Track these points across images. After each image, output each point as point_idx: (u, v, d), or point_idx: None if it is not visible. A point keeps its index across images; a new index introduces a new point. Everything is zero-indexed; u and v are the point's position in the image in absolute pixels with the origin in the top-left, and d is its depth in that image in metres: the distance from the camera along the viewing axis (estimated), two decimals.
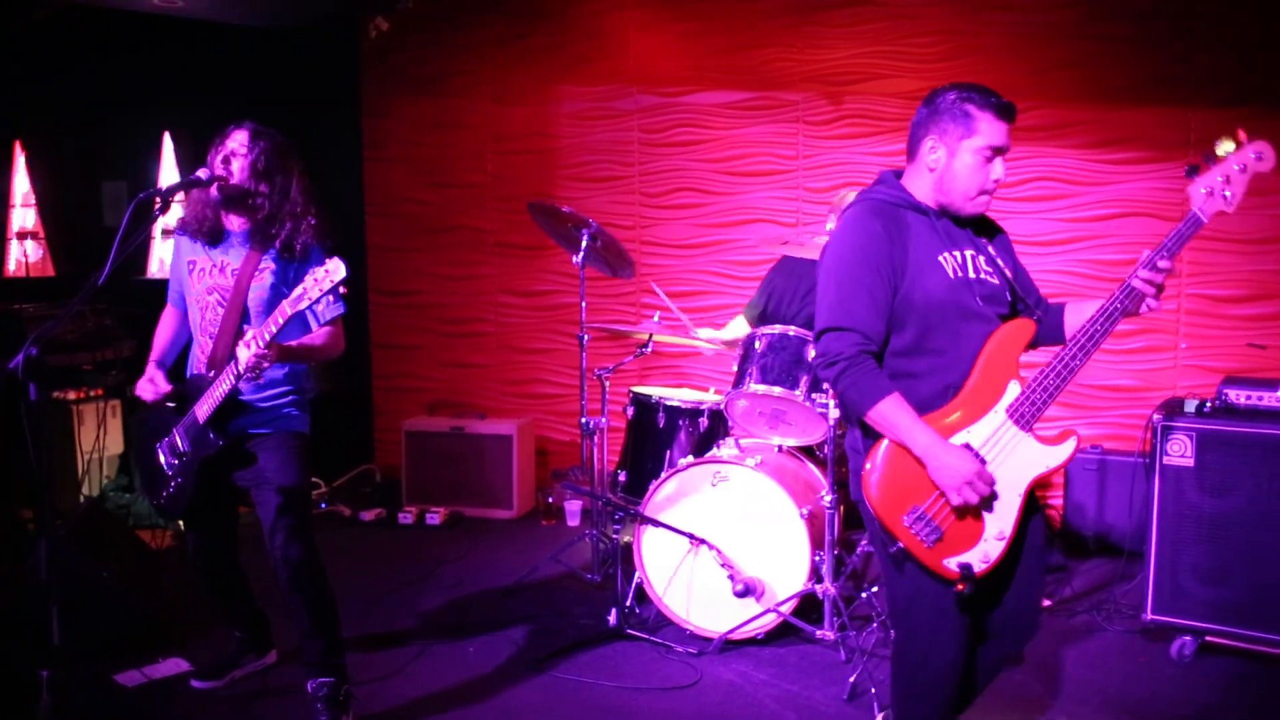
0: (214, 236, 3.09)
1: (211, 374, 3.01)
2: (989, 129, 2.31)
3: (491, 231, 6.06)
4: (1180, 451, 3.51)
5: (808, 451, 4.17)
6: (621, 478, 4.36)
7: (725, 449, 3.91)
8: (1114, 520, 4.63)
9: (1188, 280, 4.84)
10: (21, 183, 6.56)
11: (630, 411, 4.38)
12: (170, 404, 3.13)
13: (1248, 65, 4.64)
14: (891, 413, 2.26)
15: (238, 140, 3.03)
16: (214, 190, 3.02)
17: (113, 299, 5.26)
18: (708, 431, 4.23)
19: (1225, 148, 2.30)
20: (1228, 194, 2.28)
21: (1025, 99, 4.94)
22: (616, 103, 5.72)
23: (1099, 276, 4.96)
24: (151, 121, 6.24)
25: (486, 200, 6.06)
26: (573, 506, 5.41)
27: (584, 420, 4.24)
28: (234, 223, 3.10)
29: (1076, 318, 2.45)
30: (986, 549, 2.30)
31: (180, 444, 3.08)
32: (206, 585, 3.43)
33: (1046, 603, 4.11)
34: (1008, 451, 2.30)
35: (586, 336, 4.22)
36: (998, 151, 2.33)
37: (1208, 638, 3.55)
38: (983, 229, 2.50)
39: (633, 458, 4.34)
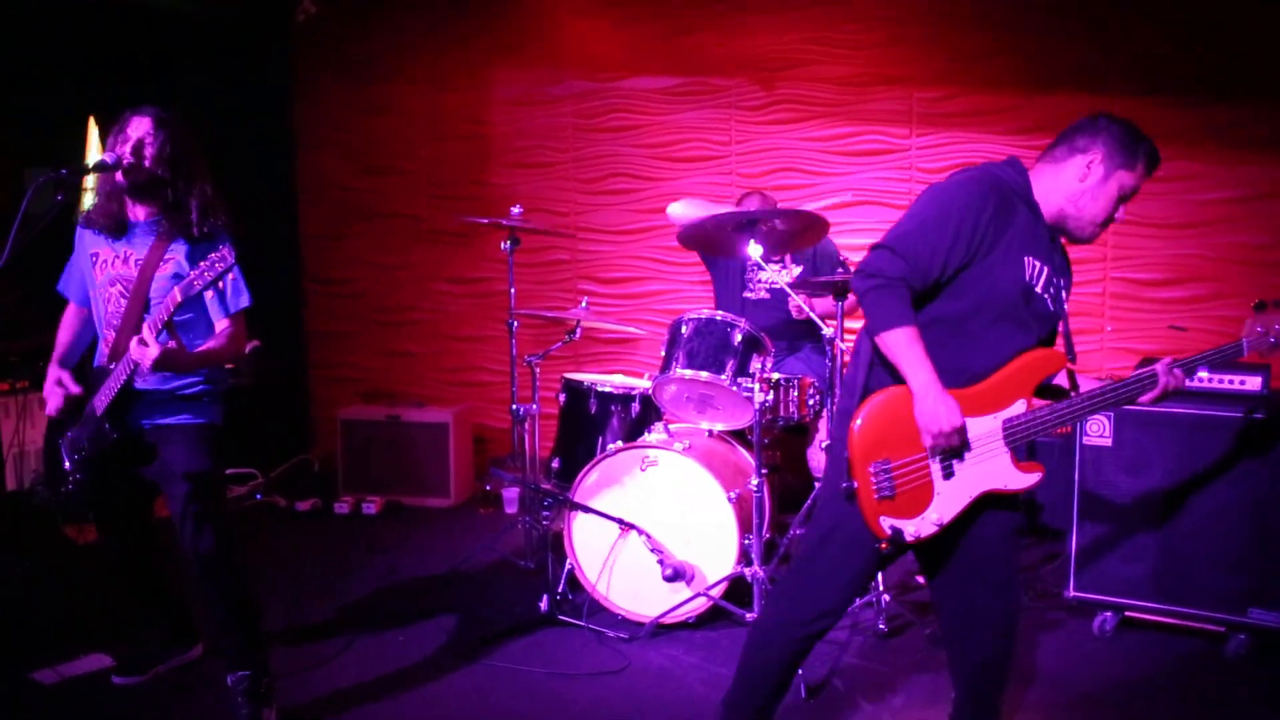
0: (118, 228, 3.01)
1: (113, 365, 2.94)
2: (1141, 174, 2.39)
3: (425, 219, 6.01)
4: (1099, 432, 3.57)
5: (739, 435, 4.18)
6: (555, 464, 4.34)
7: (654, 434, 3.92)
8: (1044, 499, 4.71)
9: (1112, 265, 4.93)
10: None
11: (562, 398, 4.36)
12: (77, 390, 3.06)
13: (1169, 53, 4.73)
14: (905, 342, 2.30)
15: (142, 127, 2.95)
16: (119, 176, 2.94)
17: (34, 285, 5.13)
18: (639, 417, 4.22)
19: None
20: (1277, 343, 2.47)
21: (951, 85, 5.03)
22: (550, 88, 5.69)
23: None
24: (76, 106, 6.08)
25: (420, 186, 6.00)
26: (510, 494, 5.39)
27: (514, 407, 4.22)
28: (139, 212, 3.02)
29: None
30: (920, 526, 2.37)
31: (80, 440, 3.02)
32: (123, 582, 3.36)
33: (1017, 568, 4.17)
34: (984, 457, 2.37)
35: (516, 323, 4.19)
36: (1130, 195, 2.41)
37: (1127, 613, 3.63)
38: (1065, 260, 2.53)
39: (566, 444, 4.33)
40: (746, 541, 3.68)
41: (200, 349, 2.96)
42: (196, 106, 5.75)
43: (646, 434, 3.98)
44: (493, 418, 5.97)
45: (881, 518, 2.36)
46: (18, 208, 2.66)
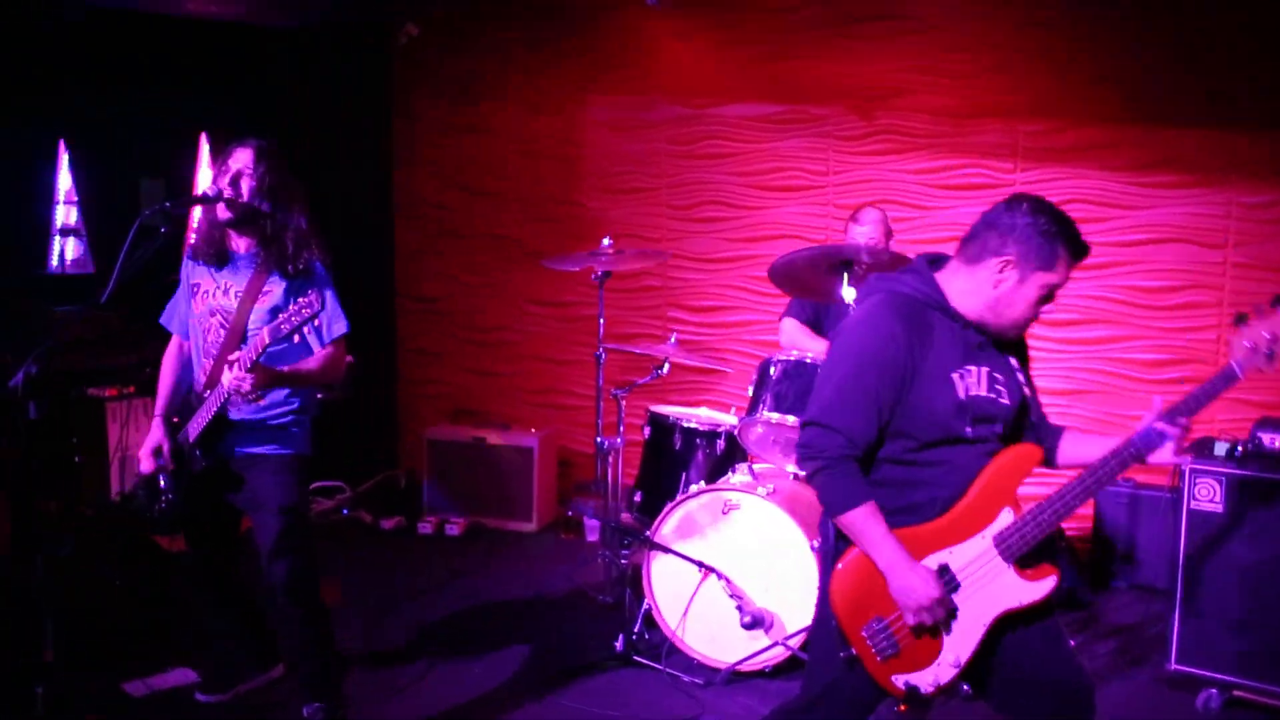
0: (220, 258, 3.07)
1: (206, 394, 3.00)
2: (1064, 269, 2.22)
3: (517, 240, 6.03)
4: (1209, 496, 3.38)
5: None
6: (637, 498, 4.31)
7: (738, 475, 3.85)
8: (1145, 558, 4.50)
9: (1228, 310, 4.67)
10: (64, 180, 6.66)
11: (647, 431, 4.32)
12: (174, 419, 3.14)
13: None
14: (862, 522, 2.19)
15: (242, 159, 3.02)
16: (220, 209, 3.00)
17: (140, 303, 5.33)
18: (724, 454, 4.16)
19: None
20: (1272, 353, 2.16)
21: (1060, 117, 4.85)
22: (645, 113, 5.66)
23: (1133, 303, 4.82)
24: (187, 122, 6.30)
25: (511, 206, 6.03)
26: (592, 522, 5.37)
27: (599, 440, 4.20)
28: (239, 244, 3.08)
29: (1074, 448, 2.38)
30: (938, 673, 2.24)
31: (172, 461, 3.09)
32: (208, 599, 3.42)
33: (1071, 643, 3.99)
34: (985, 580, 2.23)
35: (604, 354, 4.17)
36: (1053, 291, 2.24)
37: (1235, 692, 3.42)
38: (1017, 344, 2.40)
39: (649, 478, 4.29)
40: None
41: (293, 367, 3.01)
42: (300, 124, 5.96)
43: (730, 474, 3.92)
44: (578, 442, 5.96)
45: (894, 676, 2.23)
46: (133, 217, 2.75)
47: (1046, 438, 2.41)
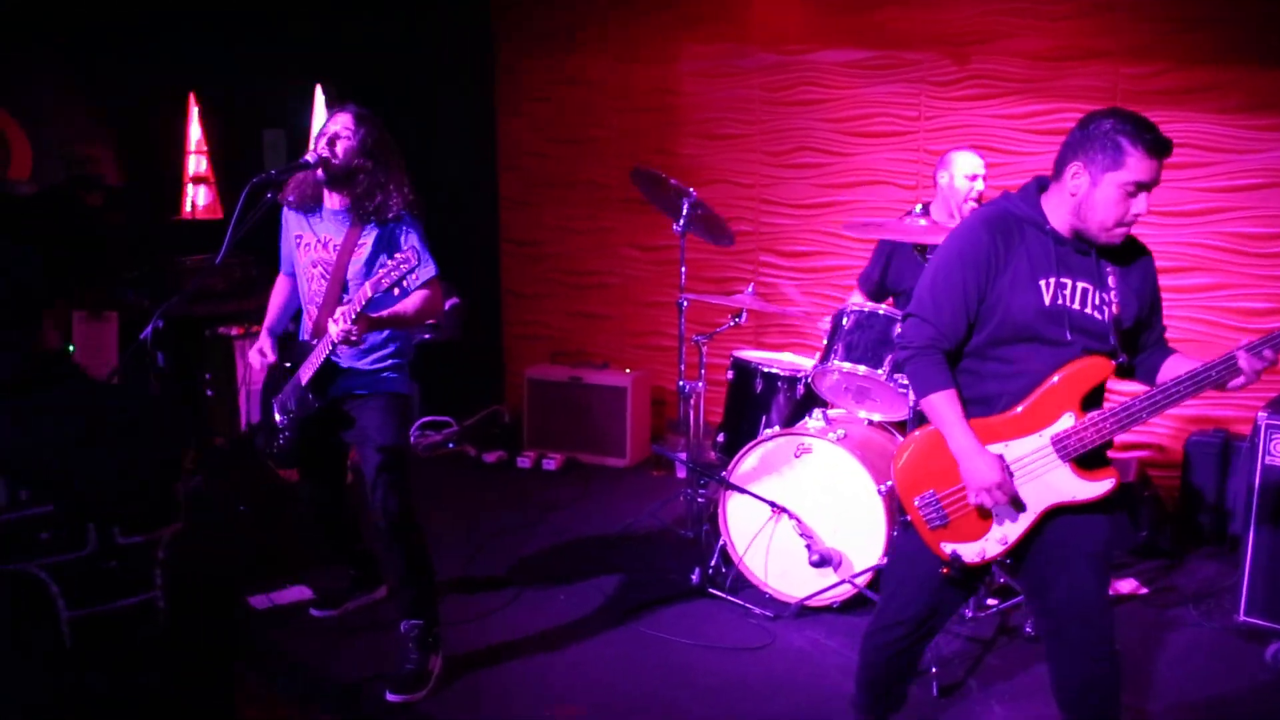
0: (316, 210, 3.33)
1: (315, 341, 3.29)
2: (1138, 165, 2.29)
3: (614, 187, 6.19)
4: None
5: (901, 425, 4.17)
6: (720, 439, 4.48)
7: (813, 420, 3.97)
8: (1233, 508, 4.45)
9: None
10: (195, 131, 7.11)
11: (730, 375, 4.48)
12: (287, 364, 3.45)
13: None
14: (941, 406, 2.43)
15: (341, 123, 3.24)
16: (319, 172, 3.25)
17: (259, 252, 5.72)
18: (803, 399, 4.28)
19: None
20: None
21: (1160, 59, 4.72)
22: (738, 60, 5.71)
23: (1237, 250, 4.70)
24: (304, 74, 6.63)
25: (609, 155, 6.18)
26: (683, 456, 5.57)
27: (681, 384, 4.37)
28: (335, 200, 3.32)
29: (1171, 368, 2.47)
30: (985, 547, 2.47)
31: (289, 402, 3.40)
32: (321, 525, 3.78)
33: (1143, 590, 4.03)
34: (1038, 474, 2.40)
35: (685, 301, 4.32)
36: (1142, 187, 2.31)
37: None
38: (1121, 257, 2.46)
39: (731, 420, 4.45)
40: (895, 533, 3.70)
41: (391, 311, 3.23)
42: (408, 77, 6.21)
43: (807, 419, 4.04)
44: (672, 381, 6.12)
45: (942, 543, 2.49)
46: (258, 166, 3.02)
47: (1153, 356, 2.53)
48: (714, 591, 3.99)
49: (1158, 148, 2.28)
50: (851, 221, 4.33)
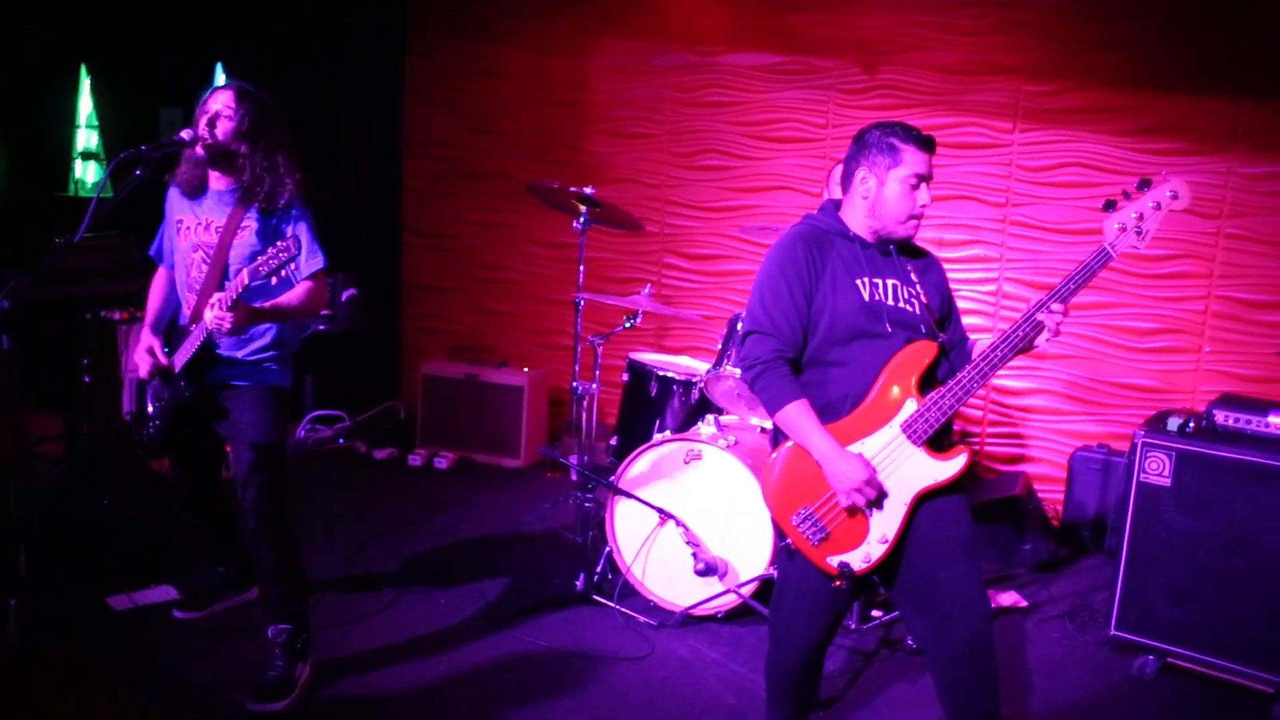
0: (200, 193, 3.17)
1: (192, 327, 3.13)
2: (913, 158, 2.52)
3: (523, 180, 6.07)
4: (1158, 470, 3.41)
5: None
6: (613, 441, 4.41)
7: (705, 426, 3.93)
8: (1114, 522, 4.53)
9: (1218, 281, 4.65)
10: (85, 105, 6.79)
11: (625, 377, 4.41)
12: (166, 349, 3.28)
13: None
14: (796, 417, 2.48)
15: (222, 101, 3.09)
16: (199, 150, 3.10)
17: (138, 234, 5.47)
18: (698, 404, 4.24)
19: (1143, 185, 2.43)
20: (1141, 230, 2.42)
21: (1063, 80, 4.78)
22: (653, 59, 5.66)
23: (1128, 270, 4.79)
24: (204, 51, 6.38)
25: (520, 149, 6.08)
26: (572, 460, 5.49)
27: (574, 385, 4.29)
28: (219, 181, 3.17)
29: (978, 348, 2.59)
30: (869, 550, 2.48)
31: (161, 390, 3.23)
32: (193, 521, 3.61)
33: (1023, 604, 4.08)
34: (897, 463, 2.45)
35: (582, 301, 4.24)
36: (922, 179, 2.53)
37: (1170, 659, 3.49)
38: (916, 256, 2.68)
39: (625, 424, 4.40)
40: (781, 544, 3.67)
41: (274, 302, 3.10)
42: (314, 58, 6.02)
43: (700, 424, 4.00)
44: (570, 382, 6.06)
45: (828, 558, 2.49)
46: (154, 141, 2.88)
47: (957, 358, 2.64)
48: (598, 598, 3.92)
49: (925, 143, 2.52)
50: (749, 225, 4.31)
